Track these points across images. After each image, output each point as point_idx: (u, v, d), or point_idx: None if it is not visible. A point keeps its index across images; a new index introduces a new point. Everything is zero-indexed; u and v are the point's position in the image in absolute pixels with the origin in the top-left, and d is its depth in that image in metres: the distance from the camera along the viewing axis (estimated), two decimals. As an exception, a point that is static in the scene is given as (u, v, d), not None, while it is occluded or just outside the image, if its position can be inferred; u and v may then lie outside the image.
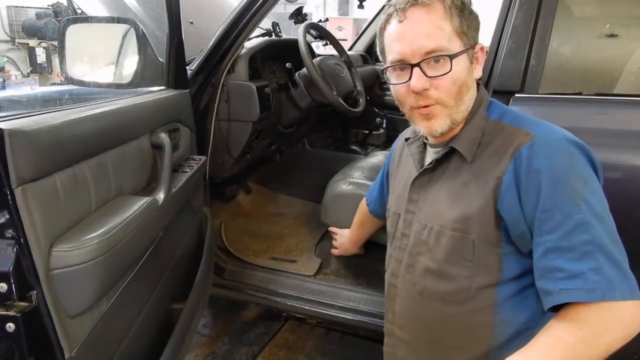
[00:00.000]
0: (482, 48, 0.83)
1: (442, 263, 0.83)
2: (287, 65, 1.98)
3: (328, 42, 2.27)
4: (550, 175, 0.72)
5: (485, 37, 1.46)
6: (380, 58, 0.89)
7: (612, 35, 1.23)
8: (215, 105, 1.68)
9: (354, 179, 1.84)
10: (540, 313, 0.77)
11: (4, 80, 5.66)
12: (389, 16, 0.84)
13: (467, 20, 0.80)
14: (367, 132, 2.91)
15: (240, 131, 1.79)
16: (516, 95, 1.20)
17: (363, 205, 1.37)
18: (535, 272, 0.74)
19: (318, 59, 2.05)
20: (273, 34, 2.17)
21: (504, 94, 1.22)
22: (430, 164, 0.87)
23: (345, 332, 1.98)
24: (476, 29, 0.83)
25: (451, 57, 0.77)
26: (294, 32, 2.19)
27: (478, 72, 0.84)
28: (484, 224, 0.78)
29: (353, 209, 1.77)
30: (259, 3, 1.56)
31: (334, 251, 1.64)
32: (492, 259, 0.79)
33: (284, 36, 2.25)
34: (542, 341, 0.70)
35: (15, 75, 6.22)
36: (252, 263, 1.87)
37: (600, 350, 0.69)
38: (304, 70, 1.94)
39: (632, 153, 1.09)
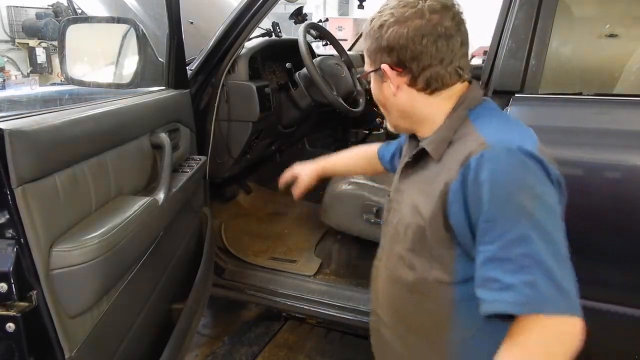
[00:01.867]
0: (385, 69, 0.84)
1: (408, 253, 0.87)
2: (287, 65, 1.98)
3: (328, 42, 2.27)
4: (494, 188, 0.72)
5: (485, 37, 1.46)
6: None
7: (612, 35, 1.23)
8: (215, 105, 1.68)
9: (354, 179, 1.84)
10: (499, 320, 0.76)
11: (4, 80, 5.66)
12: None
13: (371, 42, 0.85)
14: (367, 132, 2.91)
15: (240, 131, 1.80)
16: (516, 95, 1.20)
17: (371, 146, 1.34)
18: (475, 280, 0.75)
19: (318, 59, 2.05)
20: (273, 34, 2.17)
21: (504, 94, 1.21)
22: (409, 157, 0.92)
23: (345, 332, 1.98)
24: (380, 49, 0.84)
25: (365, 76, 0.90)
26: (294, 32, 2.19)
27: (390, 89, 0.86)
28: (435, 225, 0.80)
29: (353, 209, 1.77)
30: (259, 3, 1.56)
31: (294, 188, 1.48)
32: (446, 257, 0.82)
33: (284, 36, 2.25)
34: None
35: (15, 75, 6.22)
36: (252, 263, 1.87)
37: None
38: (304, 70, 1.94)
39: (632, 153, 1.09)
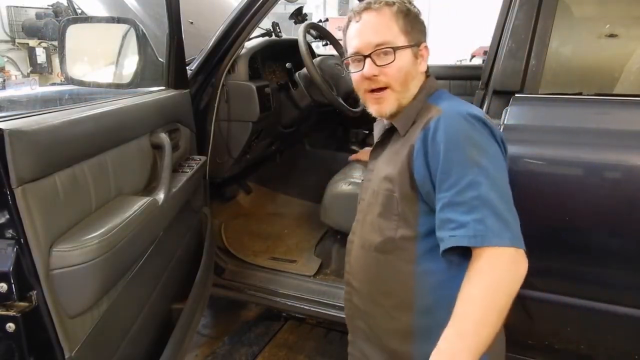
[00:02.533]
0: (425, 47, 1.01)
1: (377, 218, 1.00)
2: (287, 65, 1.98)
3: (328, 42, 2.27)
4: (448, 143, 0.87)
5: (485, 37, 1.46)
6: (345, 53, 1.07)
7: (612, 35, 1.23)
8: (215, 105, 1.68)
9: (354, 179, 1.84)
10: (455, 266, 0.89)
11: (4, 80, 5.66)
12: (349, 19, 1.01)
13: (410, 23, 0.98)
14: (367, 132, 2.91)
15: (240, 131, 1.80)
16: (516, 95, 1.20)
17: None
18: (436, 224, 0.88)
19: (318, 59, 2.05)
20: (273, 34, 2.17)
21: (504, 94, 1.21)
22: (378, 137, 1.07)
23: (345, 332, 1.98)
24: (420, 31, 1.00)
25: (395, 49, 0.95)
26: (294, 32, 2.19)
27: (422, 67, 1.01)
28: (403, 184, 0.94)
29: (353, 209, 1.77)
30: (259, 3, 1.56)
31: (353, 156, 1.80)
32: (410, 214, 0.95)
33: (284, 36, 2.25)
34: (459, 310, 0.80)
35: (15, 75, 6.22)
36: (252, 263, 1.86)
37: (503, 296, 0.80)
38: (304, 70, 1.94)
39: (632, 153, 1.09)
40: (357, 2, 2.62)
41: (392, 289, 1.00)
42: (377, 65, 0.96)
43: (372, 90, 0.99)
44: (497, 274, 0.80)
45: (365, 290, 1.06)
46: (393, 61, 0.95)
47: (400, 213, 0.96)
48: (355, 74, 1.01)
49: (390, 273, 1.00)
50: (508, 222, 0.83)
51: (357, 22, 0.99)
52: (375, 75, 0.96)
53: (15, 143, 0.75)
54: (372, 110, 1.02)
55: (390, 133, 1.04)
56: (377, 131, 1.13)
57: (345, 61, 1.05)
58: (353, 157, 1.78)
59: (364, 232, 1.05)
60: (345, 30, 1.04)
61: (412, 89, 0.99)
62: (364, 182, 1.11)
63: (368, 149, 1.52)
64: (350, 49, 1.01)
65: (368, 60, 0.96)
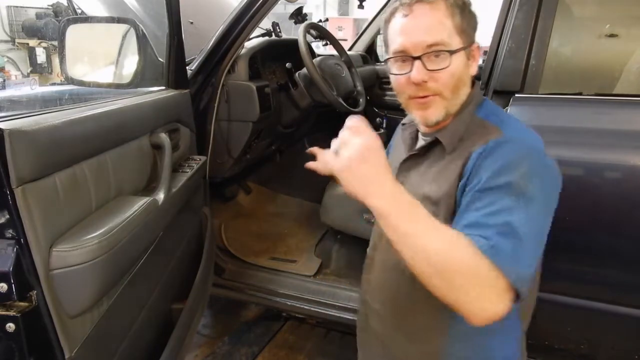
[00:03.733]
0: (477, 47, 0.88)
1: None
2: (287, 65, 1.98)
3: (328, 42, 2.27)
4: (503, 167, 0.76)
5: (486, 37, 1.46)
6: (384, 48, 0.93)
7: (612, 35, 1.23)
8: (215, 105, 1.68)
9: (354, 179, 1.84)
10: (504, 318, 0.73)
11: (4, 80, 5.65)
12: (395, 9, 0.87)
13: (467, 19, 0.85)
14: (367, 132, 2.91)
15: (240, 131, 1.80)
16: (516, 95, 1.20)
17: None
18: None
19: (318, 59, 2.05)
20: (273, 34, 2.17)
21: (504, 94, 1.22)
22: (417, 149, 0.94)
23: (345, 332, 1.98)
24: (474, 28, 0.87)
25: (451, 52, 0.82)
26: (294, 32, 2.19)
27: (473, 69, 0.89)
28: (449, 206, 0.83)
29: (353, 209, 1.77)
30: (259, 3, 1.56)
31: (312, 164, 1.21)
32: None
33: (284, 36, 2.25)
34: (421, 210, 0.70)
35: (15, 75, 6.21)
36: (252, 263, 1.87)
37: (446, 265, 0.66)
38: (304, 70, 1.94)
39: (632, 153, 1.09)
40: (357, 2, 2.63)
41: (423, 311, 0.89)
42: (428, 70, 0.82)
43: (418, 96, 0.86)
44: (472, 261, 0.67)
45: (387, 313, 0.96)
46: (447, 66, 0.82)
47: None
48: (400, 77, 0.86)
49: (421, 296, 0.85)
50: (527, 262, 0.72)
51: (406, 15, 0.84)
52: (425, 81, 0.83)
53: (15, 143, 0.75)
54: (416, 116, 0.89)
55: (431, 145, 0.90)
56: (406, 136, 0.99)
57: (387, 59, 0.90)
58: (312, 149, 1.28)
59: (389, 250, 0.90)
60: (387, 22, 0.88)
61: (462, 95, 0.87)
62: None
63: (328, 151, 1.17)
64: (394, 46, 0.86)
65: (417, 63, 0.82)
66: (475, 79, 0.92)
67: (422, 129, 0.93)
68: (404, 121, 1.04)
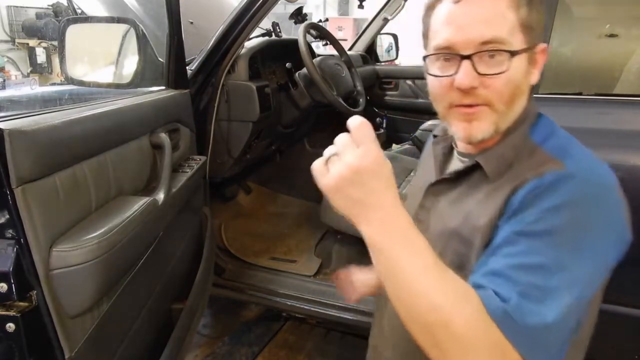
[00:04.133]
0: (543, 49, 0.69)
1: None
2: (287, 65, 1.98)
3: (328, 42, 2.27)
4: (555, 209, 0.59)
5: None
6: (422, 42, 0.74)
7: (612, 35, 1.23)
8: (215, 105, 1.68)
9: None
10: None
11: (4, 80, 5.65)
12: None
13: (535, 13, 0.66)
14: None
15: (240, 131, 1.80)
16: (516, 95, 1.20)
17: None
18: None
19: (318, 59, 2.05)
20: (273, 34, 2.17)
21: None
22: (450, 173, 0.76)
23: (345, 332, 1.98)
24: (542, 26, 0.69)
25: (512, 53, 0.64)
26: (294, 32, 2.19)
27: (535, 77, 0.70)
28: (481, 247, 0.66)
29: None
30: (259, 3, 1.56)
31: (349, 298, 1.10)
32: None
33: (284, 36, 2.25)
34: (420, 240, 0.55)
35: (15, 75, 6.21)
36: (252, 263, 1.87)
37: (426, 319, 0.53)
38: (304, 70, 1.94)
39: (632, 153, 1.09)
40: (357, 2, 2.63)
41: None
42: (479, 73, 0.64)
43: (463, 105, 0.68)
44: (472, 323, 0.52)
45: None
46: (504, 71, 0.64)
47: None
48: (441, 80, 0.68)
49: None
50: (552, 349, 0.56)
51: (457, 1, 0.66)
52: (474, 88, 0.65)
53: (15, 143, 0.75)
54: (457, 130, 0.70)
55: (469, 170, 0.73)
56: (438, 153, 0.82)
57: (425, 56, 0.71)
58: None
59: None
60: (430, 7, 0.70)
61: (517, 109, 0.69)
62: (413, 221, 0.79)
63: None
64: (436, 40, 0.68)
65: (466, 63, 0.65)
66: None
67: (461, 146, 0.76)
68: (435, 132, 0.86)
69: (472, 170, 0.72)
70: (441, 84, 0.68)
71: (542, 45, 0.69)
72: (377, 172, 0.55)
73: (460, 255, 0.69)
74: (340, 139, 0.57)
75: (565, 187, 0.60)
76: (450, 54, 0.66)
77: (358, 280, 1.04)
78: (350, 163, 0.54)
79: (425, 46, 0.72)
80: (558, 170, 0.62)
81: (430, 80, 0.71)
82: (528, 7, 0.65)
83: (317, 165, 0.59)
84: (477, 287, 0.57)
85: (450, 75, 0.66)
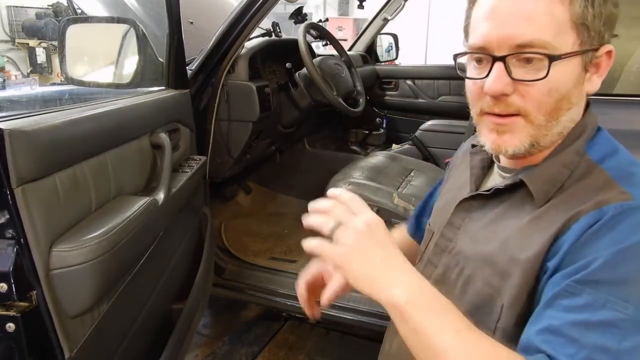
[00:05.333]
0: (609, 52, 0.59)
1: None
2: (287, 65, 1.98)
3: (328, 42, 2.28)
4: (622, 252, 0.50)
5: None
6: (463, 38, 0.66)
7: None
8: (215, 105, 1.69)
9: (354, 179, 1.84)
10: None
11: (4, 80, 5.66)
12: None
13: (595, 9, 0.55)
14: (367, 132, 2.92)
15: (240, 131, 1.80)
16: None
17: (402, 231, 0.99)
18: (520, 343, 0.53)
19: (318, 59, 2.05)
20: (273, 34, 2.17)
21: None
22: (489, 190, 0.66)
23: (345, 332, 1.98)
24: (607, 23, 0.58)
25: (552, 58, 0.54)
26: (294, 32, 2.19)
27: (594, 85, 0.60)
28: (521, 287, 0.57)
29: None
30: (259, 3, 1.56)
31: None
32: (516, 334, 0.57)
33: (284, 36, 2.26)
34: (450, 307, 0.52)
35: (15, 75, 6.21)
36: (252, 263, 1.87)
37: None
38: (304, 70, 1.94)
39: (632, 153, 1.09)
40: (357, 2, 2.63)
41: None
42: (513, 79, 0.56)
43: (496, 114, 0.59)
44: None
45: None
46: (543, 78, 0.55)
47: (498, 330, 0.58)
48: (475, 83, 0.61)
49: None
50: None
51: None
52: (506, 95, 0.57)
53: (15, 143, 0.75)
54: (487, 141, 0.62)
55: (511, 188, 0.63)
56: (475, 163, 0.73)
57: (457, 55, 0.65)
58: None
59: None
60: (471, 1, 0.62)
61: (564, 122, 0.59)
62: (440, 239, 0.72)
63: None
64: (473, 36, 0.60)
65: (499, 66, 0.57)
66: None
67: (503, 159, 0.67)
68: (474, 141, 0.75)
69: (513, 189, 0.63)
70: (474, 88, 0.61)
71: (606, 47, 0.58)
72: (388, 233, 0.55)
73: (491, 286, 0.61)
74: (337, 211, 0.56)
75: (631, 224, 0.51)
76: (483, 54, 0.58)
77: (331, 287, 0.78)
78: (363, 220, 0.54)
79: (465, 43, 0.64)
80: (622, 202, 0.53)
81: (466, 82, 0.64)
82: (585, 1, 0.55)
83: (321, 246, 0.56)
84: (530, 349, 0.50)
85: (482, 79, 0.59)
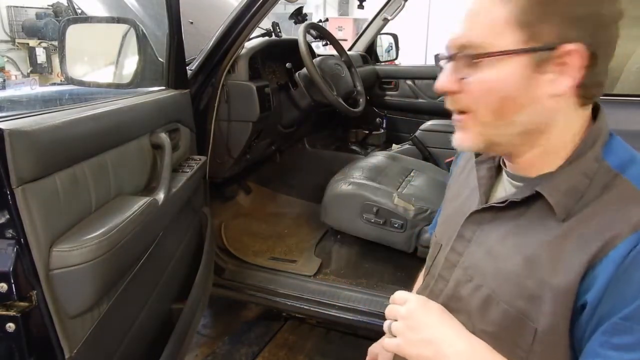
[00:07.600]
0: (570, 51, 0.53)
1: (483, 336, 0.60)
2: (287, 65, 1.98)
3: (328, 42, 2.28)
4: None
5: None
6: None
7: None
8: (215, 105, 1.69)
9: (354, 179, 1.84)
10: None
11: (4, 80, 5.66)
12: None
13: (545, 5, 0.53)
14: (367, 132, 2.92)
15: (240, 131, 1.80)
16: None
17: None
18: None
19: (318, 59, 2.05)
20: (273, 34, 2.17)
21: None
22: (503, 202, 0.62)
23: (345, 332, 1.98)
24: (567, 19, 0.53)
25: (477, 55, 0.55)
26: (294, 32, 2.19)
27: (559, 86, 0.55)
28: (561, 308, 0.54)
29: (353, 209, 1.77)
30: (259, 3, 1.56)
31: None
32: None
33: (284, 36, 2.26)
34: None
35: (15, 75, 6.22)
36: (252, 263, 1.87)
37: None
38: (304, 70, 1.94)
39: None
40: (357, 2, 2.63)
41: None
42: (457, 77, 0.59)
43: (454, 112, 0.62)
44: None
45: None
46: (474, 76, 0.57)
47: (533, 352, 0.56)
48: None
49: None
50: None
51: None
52: (453, 92, 0.60)
53: (15, 143, 0.75)
54: (454, 138, 0.64)
55: (527, 200, 0.60)
56: (483, 174, 0.70)
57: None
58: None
59: None
60: None
61: (521, 122, 0.57)
62: (449, 253, 0.70)
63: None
64: None
65: (447, 65, 0.60)
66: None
67: (509, 165, 0.65)
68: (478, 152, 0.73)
69: (529, 200, 0.60)
70: None
71: (567, 46, 0.53)
72: (428, 309, 0.63)
73: (517, 309, 0.58)
74: (389, 311, 0.67)
75: None
76: (445, 56, 0.61)
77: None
78: (406, 310, 0.63)
79: None
80: None
81: None
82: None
83: (384, 343, 0.66)
84: None
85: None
